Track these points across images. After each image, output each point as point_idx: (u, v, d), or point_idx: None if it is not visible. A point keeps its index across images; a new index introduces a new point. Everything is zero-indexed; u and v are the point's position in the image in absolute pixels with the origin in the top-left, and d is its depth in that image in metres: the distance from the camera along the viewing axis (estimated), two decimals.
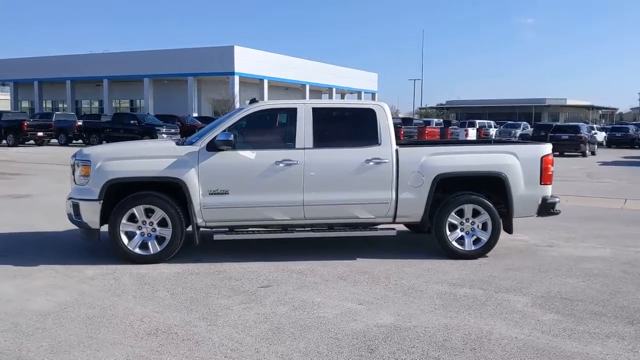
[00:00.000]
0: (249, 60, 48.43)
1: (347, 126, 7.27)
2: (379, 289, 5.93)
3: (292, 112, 7.11)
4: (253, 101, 7.36)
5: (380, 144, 7.06)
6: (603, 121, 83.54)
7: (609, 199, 13.31)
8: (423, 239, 8.19)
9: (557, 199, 7.40)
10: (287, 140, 7.04)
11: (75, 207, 6.79)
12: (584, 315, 5.18)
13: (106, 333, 4.65)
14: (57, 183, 14.46)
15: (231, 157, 6.82)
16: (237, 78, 47.52)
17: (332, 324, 4.91)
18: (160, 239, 6.82)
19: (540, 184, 7.29)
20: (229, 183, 6.81)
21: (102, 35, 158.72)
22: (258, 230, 7.07)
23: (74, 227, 8.33)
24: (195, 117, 38.11)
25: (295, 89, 57.62)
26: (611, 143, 40.71)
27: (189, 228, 6.90)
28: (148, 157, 6.85)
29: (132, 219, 6.77)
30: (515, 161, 7.20)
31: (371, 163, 6.97)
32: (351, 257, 7.19)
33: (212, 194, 6.77)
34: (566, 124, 40.33)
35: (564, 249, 7.86)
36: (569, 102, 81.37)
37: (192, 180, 6.71)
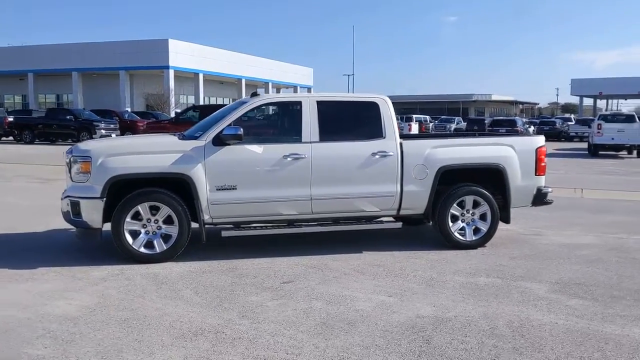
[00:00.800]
0: (183, 54, 47.49)
1: (351, 120, 7.27)
2: (400, 281, 5.97)
3: (296, 106, 7.04)
4: (254, 94, 7.24)
5: (385, 137, 7.11)
6: (524, 115, 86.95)
7: (564, 188, 13.86)
8: (418, 231, 8.30)
9: (550, 189, 7.68)
10: (293, 134, 6.96)
11: (75, 205, 6.48)
12: (607, 300, 5.41)
13: (150, 335, 4.47)
14: (6, 182, 13.76)
15: (238, 152, 6.68)
16: (171, 72, 46.50)
17: (374, 317, 4.91)
18: (165, 237, 6.61)
19: (535, 174, 7.54)
20: (236, 178, 6.67)
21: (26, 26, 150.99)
22: (266, 226, 6.97)
23: (52, 227, 8.07)
24: (134, 113, 36.93)
25: (230, 83, 56.95)
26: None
27: (194, 225, 6.70)
28: (152, 152, 6.61)
29: (136, 217, 6.52)
30: (513, 153, 7.42)
31: (377, 156, 7.00)
32: (357, 250, 7.20)
33: (219, 189, 6.62)
34: (503, 118, 41.78)
35: (551, 237, 8.15)
36: (494, 98, 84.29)
37: (199, 175, 6.54)
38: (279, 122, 7.26)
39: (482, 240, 7.39)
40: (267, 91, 60.36)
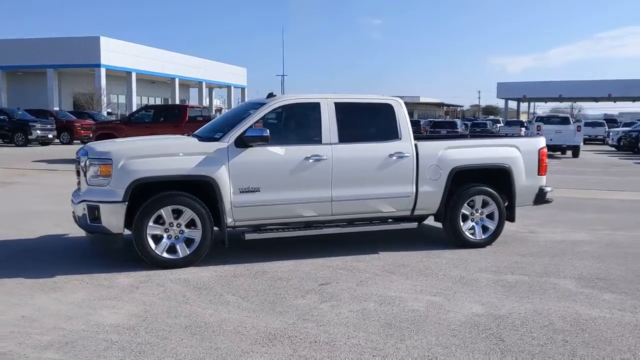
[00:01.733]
0: (116, 52, 46.10)
1: (367, 121, 7.31)
2: (433, 280, 6.06)
3: (315, 107, 7.01)
4: (270, 95, 7.16)
5: (400, 139, 7.19)
6: (447, 117, 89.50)
7: None
8: (416, 230, 8.42)
9: (550, 189, 7.99)
10: (313, 135, 6.93)
11: (93, 210, 6.20)
12: (636, 293, 5.69)
13: (224, 342, 4.36)
14: None
15: (262, 153, 6.59)
16: (103, 70, 45.01)
17: (433, 316, 4.97)
18: (188, 242, 6.43)
19: (538, 174, 7.82)
20: (260, 180, 6.58)
21: None
22: (286, 228, 6.90)
23: (41, 233, 7.71)
24: (69, 112, 35.43)
25: (162, 82, 55.70)
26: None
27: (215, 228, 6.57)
28: (175, 154, 6.42)
29: (159, 221, 6.31)
30: (518, 154, 7.68)
31: (394, 157, 7.08)
32: (372, 251, 7.25)
33: (243, 191, 6.51)
34: (443, 120, 42.96)
35: (546, 235, 8.47)
36: (422, 100, 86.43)
37: (223, 178, 6.41)
38: (298, 124, 7.19)
39: (490, 239, 7.61)
40: (200, 91, 59.47)
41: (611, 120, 47.72)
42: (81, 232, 7.71)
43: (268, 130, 6.46)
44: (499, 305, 5.29)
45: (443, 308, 5.18)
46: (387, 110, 7.30)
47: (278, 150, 6.66)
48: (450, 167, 7.32)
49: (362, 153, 7.01)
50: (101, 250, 7.16)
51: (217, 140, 6.62)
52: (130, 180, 6.14)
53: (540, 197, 7.91)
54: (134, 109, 46.31)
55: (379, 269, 6.46)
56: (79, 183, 6.66)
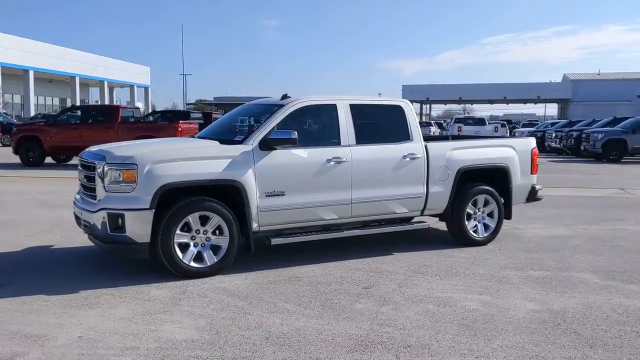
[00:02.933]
0: (11, 49, 43.16)
1: (380, 122, 7.31)
2: (467, 279, 6.17)
3: (332, 109, 6.94)
4: (285, 97, 7.00)
5: (412, 140, 7.27)
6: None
7: None
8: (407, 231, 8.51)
9: (541, 187, 8.37)
10: (332, 137, 6.85)
11: (116, 218, 5.79)
12: None
13: (319, 352, 4.22)
14: None
15: (286, 156, 6.44)
16: None
17: (498, 315, 5.05)
18: (214, 249, 6.17)
19: (530, 173, 8.17)
20: (285, 183, 6.43)
21: None
22: (309, 232, 6.78)
23: (25, 245, 7.17)
24: None
25: (61, 81, 52.80)
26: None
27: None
28: (202, 158, 6.13)
29: (185, 228, 6.01)
30: (514, 153, 7.98)
31: (407, 159, 7.15)
32: (387, 252, 7.27)
33: (268, 195, 6.33)
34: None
35: (530, 231, 8.85)
36: None
37: (250, 181, 6.20)
38: (317, 126, 7.07)
39: (491, 237, 7.85)
40: (102, 90, 56.98)
41: (507, 122, 50.43)
42: (70, 243, 7.31)
43: (296, 132, 6.31)
44: (547, 300, 5.46)
45: (499, 306, 5.28)
46: (398, 112, 7.35)
47: (301, 152, 6.52)
48: (457, 167, 7.48)
49: (379, 154, 7.01)
50: (106, 260, 6.72)
51: (239, 142, 6.38)
52: (158, 186, 5.80)
53: (532, 195, 8.26)
54: (32, 109, 43.67)
55: (405, 269, 6.49)
56: (89, 189, 6.19)
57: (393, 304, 5.31)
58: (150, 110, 42.77)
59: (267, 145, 6.33)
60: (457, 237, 7.70)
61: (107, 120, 18.48)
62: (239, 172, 6.15)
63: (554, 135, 29.92)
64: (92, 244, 6.45)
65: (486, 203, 7.79)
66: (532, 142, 8.26)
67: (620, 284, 6.03)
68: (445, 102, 78.77)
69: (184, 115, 19.95)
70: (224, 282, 5.92)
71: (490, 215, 7.85)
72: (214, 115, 25.21)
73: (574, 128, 29.68)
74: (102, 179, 5.91)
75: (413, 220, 7.68)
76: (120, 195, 5.84)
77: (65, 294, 5.49)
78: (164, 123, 18.52)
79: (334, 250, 7.20)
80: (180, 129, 18.60)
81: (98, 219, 5.89)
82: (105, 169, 5.88)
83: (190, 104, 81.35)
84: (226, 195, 6.20)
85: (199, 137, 7.40)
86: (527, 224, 9.35)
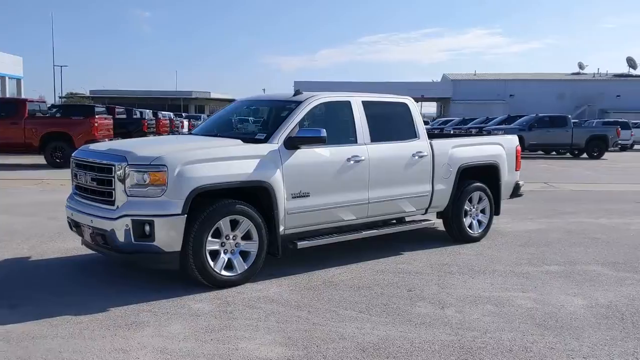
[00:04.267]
0: None
1: (390, 120, 7.15)
2: (498, 277, 6.14)
3: (347, 106, 6.72)
4: (297, 93, 6.68)
5: (419, 138, 7.21)
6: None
7: None
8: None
9: (523, 183, 8.63)
10: (349, 135, 6.63)
11: (141, 225, 5.22)
12: None
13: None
14: None
15: (310, 155, 6.14)
16: None
17: (560, 312, 5.06)
18: (243, 255, 5.76)
19: (515, 170, 8.40)
20: (310, 184, 6.13)
21: None
22: (327, 234, 6.52)
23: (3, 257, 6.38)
24: None
25: None
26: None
27: None
28: (231, 158, 5.67)
29: (215, 234, 5.55)
30: (503, 151, 8.16)
31: (416, 157, 7.08)
32: (395, 252, 7.15)
33: (295, 197, 6.01)
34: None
35: (504, 225, 9.08)
36: (213, 96, 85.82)
37: (278, 182, 5.85)
38: (333, 123, 6.75)
39: (484, 233, 7.99)
40: None
41: None
42: (45, 253, 6.55)
43: (325, 130, 6.01)
44: (588, 295, 5.60)
45: (551, 303, 5.33)
46: (404, 109, 7.26)
47: (324, 151, 6.24)
48: (458, 165, 7.52)
49: (392, 153, 6.88)
50: (107, 271, 6.10)
51: (263, 141, 5.99)
52: (191, 189, 5.30)
53: (515, 191, 8.50)
54: None
55: (429, 269, 6.42)
56: (99, 194, 5.54)
57: (452, 306, 5.20)
58: None
59: (292, 144, 5.99)
60: (454, 234, 7.73)
61: (13, 114, 16.84)
62: (269, 172, 5.77)
63: (452, 132, 31.21)
64: (67, 254, 5.85)
65: (480, 200, 7.90)
66: (516, 140, 8.49)
67: (634, 275, 6.31)
68: None
69: (89, 109, 18.57)
70: (261, 291, 5.52)
71: (482, 211, 7.97)
72: (117, 109, 23.85)
73: (471, 125, 31.17)
74: (123, 182, 5.29)
75: (419, 219, 7.62)
76: (147, 199, 5.26)
77: (94, 312, 4.87)
78: (79, 118, 17.15)
79: (341, 253, 6.94)
80: (97, 125, 17.38)
81: (119, 227, 5.26)
82: (128, 170, 5.27)
83: (62, 97, 76.62)
84: (252, 198, 5.79)
85: (200, 135, 6.88)
86: (497, 219, 9.57)
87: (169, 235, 5.24)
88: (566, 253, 7.26)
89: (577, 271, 6.42)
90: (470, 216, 7.83)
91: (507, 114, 38.50)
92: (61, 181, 13.84)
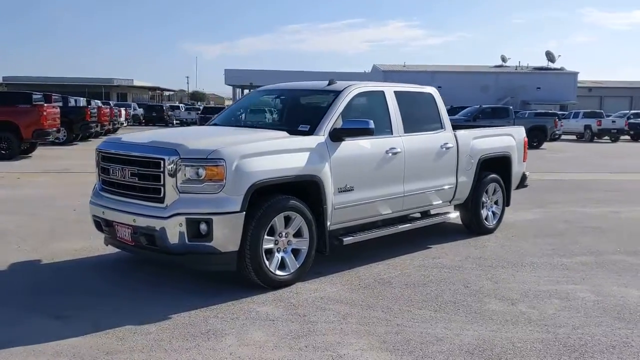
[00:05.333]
0: None
1: (418, 111, 6.96)
2: (542, 270, 6.05)
3: (381, 96, 6.51)
4: (331, 82, 6.40)
5: (444, 129, 7.10)
6: (154, 100, 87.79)
7: None
8: None
9: (529, 173, 8.69)
10: (385, 126, 6.40)
11: (197, 224, 4.83)
12: None
13: None
14: None
15: (353, 148, 5.89)
16: None
17: (628, 304, 5.05)
18: (294, 253, 5.46)
19: (522, 161, 8.45)
20: (354, 178, 5.89)
21: None
22: (368, 229, 6.31)
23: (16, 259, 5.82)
24: None
25: None
26: None
27: None
28: (284, 151, 5.34)
29: (269, 232, 5.23)
30: (514, 142, 8.19)
31: (444, 148, 6.97)
32: (422, 247, 7.01)
33: (341, 191, 5.76)
34: (215, 106, 41.87)
35: (509, 215, 9.08)
36: (136, 83, 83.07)
37: (327, 176, 5.58)
38: (369, 114, 6.46)
39: (498, 224, 7.99)
40: None
41: None
42: (59, 255, 6.08)
43: (372, 122, 5.77)
44: (637, 285, 5.65)
45: (613, 295, 5.31)
46: (430, 99, 7.12)
47: (365, 143, 6.01)
48: (478, 156, 7.47)
49: (423, 144, 6.73)
50: (130, 272, 5.63)
51: (307, 133, 5.69)
52: (250, 184, 4.95)
53: (522, 182, 8.56)
54: None
55: (469, 263, 6.33)
56: (142, 190, 5.08)
57: (520, 302, 5.11)
58: None
59: (338, 135, 5.72)
60: (472, 226, 7.68)
61: None
62: (319, 166, 5.49)
63: None
64: (80, 255, 5.78)
65: (495, 191, 7.88)
66: (523, 131, 8.52)
67: None
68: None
69: (26, 97, 17.35)
70: (317, 291, 5.25)
71: (496, 203, 7.96)
72: (54, 97, 22.51)
73: None
74: (174, 178, 4.86)
75: (444, 212, 7.51)
76: (202, 196, 4.86)
77: (156, 320, 4.46)
78: (27, 106, 16.02)
79: (369, 249, 6.66)
80: (45, 113, 16.30)
81: (171, 226, 4.84)
82: (180, 165, 4.84)
83: None
84: (300, 193, 5.49)
85: (228, 126, 6.48)
86: None
87: (227, 235, 4.86)
88: (583, 243, 7.34)
89: (608, 261, 6.49)
90: (486, 208, 7.79)
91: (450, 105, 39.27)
92: (15, 175, 12.92)
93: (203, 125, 6.90)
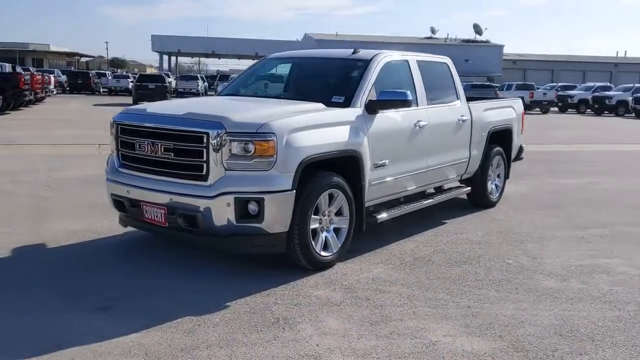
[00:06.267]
0: None
1: (437, 81, 6.71)
2: (572, 244, 6.03)
3: (405, 65, 6.23)
4: (356, 51, 6.07)
5: (460, 100, 6.93)
6: (73, 67, 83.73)
7: None
8: None
9: (524, 146, 8.69)
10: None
11: (247, 204, 4.46)
12: None
13: None
14: None
15: (387, 121, 5.61)
16: None
17: None
18: (336, 232, 5.18)
19: (520, 134, 8.43)
20: (387, 152, 5.62)
21: None
22: (395, 205, 6.08)
23: (19, 243, 5.28)
24: None
25: None
26: None
27: None
28: (327, 124, 5.00)
29: (315, 211, 4.92)
30: (515, 114, 8.14)
31: (461, 121, 6.82)
32: (438, 222, 6.87)
33: (376, 167, 5.49)
34: (151, 73, 39.87)
35: None
36: (53, 49, 78.82)
37: (365, 151, 5.29)
38: (393, 84, 6.10)
39: (500, 197, 7.96)
40: None
41: None
42: (61, 238, 5.60)
43: (409, 93, 5.50)
44: None
45: None
46: (446, 70, 6.91)
47: (396, 116, 5.74)
48: (488, 129, 7.36)
49: (444, 117, 6.54)
50: (141, 254, 5.19)
51: (343, 105, 5.36)
52: (299, 160, 4.60)
53: (519, 154, 8.56)
54: None
55: (494, 237, 6.26)
56: (182, 167, 4.63)
57: (569, 278, 5.03)
58: None
59: (373, 108, 5.42)
60: (477, 200, 7.59)
61: None
62: (359, 140, 5.19)
63: None
64: (87, 237, 5.35)
65: (498, 164, 7.82)
66: (521, 103, 8.48)
67: None
68: (198, 55, 76.73)
69: None
70: (364, 271, 5.01)
71: (498, 176, 7.91)
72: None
73: None
74: (218, 153, 4.44)
75: (457, 186, 7.38)
76: (250, 174, 4.47)
77: (216, 310, 4.10)
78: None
79: (387, 225, 6.31)
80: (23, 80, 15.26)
81: (218, 206, 4.43)
82: (226, 139, 4.42)
83: None
84: (338, 169, 5.17)
85: (248, 95, 6.05)
86: None
87: (277, 215, 4.51)
88: (586, 215, 7.39)
89: (624, 233, 6.54)
90: (490, 181, 7.72)
91: None
92: None
93: (215, 95, 6.37)
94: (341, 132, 5.02)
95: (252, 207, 4.44)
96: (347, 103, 5.34)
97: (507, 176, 8.11)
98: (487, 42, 70.83)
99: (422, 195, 6.63)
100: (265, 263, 5.01)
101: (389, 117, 5.59)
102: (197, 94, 43.44)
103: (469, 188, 7.35)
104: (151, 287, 4.49)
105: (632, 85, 37.16)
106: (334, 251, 5.05)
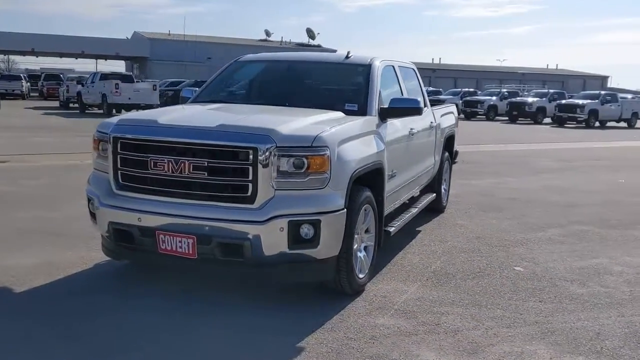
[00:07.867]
0: None
1: (410, 87, 6.54)
2: (553, 246, 6.21)
3: (392, 70, 6.03)
4: (349, 55, 5.74)
5: (427, 107, 6.88)
6: None
7: None
8: None
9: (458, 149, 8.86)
10: None
11: (298, 227, 3.94)
12: None
13: None
14: None
15: (395, 129, 5.38)
16: None
17: None
18: (366, 252, 4.82)
19: None
20: (396, 162, 5.37)
21: None
22: (397, 216, 5.84)
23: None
24: None
25: None
26: None
27: None
28: (360, 135, 4.60)
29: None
30: (454, 119, 8.24)
31: (432, 127, 6.79)
32: (414, 231, 6.73)
33: (390, 177, 5.22)
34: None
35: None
36: None
37: (385, 162, 4.99)
38: (389, 90, 5.81)
39: (447, 201, 8.05)
40: None
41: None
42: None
43: (420, 100, 5.29)
44: None
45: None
46: (413, 75, 6.80)
47: (399, 124, 5.50)
48: (445, 133, 7.41)
49: (424, 124, 6.41)
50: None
51: (359, 113, 5.00)
52: (350, 175, 4.20)
53: (454, 157, 8.69)
54: None
55: (481, 244, 6.24)
56: (180, 185, 3.99)
57: (588, 282, 5.10)
58: None
59: (384, 116, 5.15)
60: (435, 205, 7.48)
61: None
62: (382, 150, 4.87)
63: None
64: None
65: (446, 169, 7.89)
66: (455, 108, 8.62)
67: (632, 232, 6.97)
68: (11, 52, 69.34)
69: None
70: (400, 292, 4.72)
71: (445, 180, 7.98)
72: None
73: None
74: (269, 170, 3.88)
75: (426, 194, 7.24)
76: (301, 193, 3.96)
77: (292, 355, 3.54)
78: None
79: None
80: None
81: (269, 232, 3.86)
82: (276, 154, 3.87)
83: None
84: (364, 182, 4.79)
85: (219, 103, 5.42)
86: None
87: (332, 237, 4.05)
88: (535, 216, 7.70)
89: (590, 234, 6.75)
90: (443, 185, 7.76)
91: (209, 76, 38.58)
92: None
93: (187, 104, 5.57)
94: (372, 142, 4.68)
95: (306, 230, 3.92)
96: (362, 111, 4.98)
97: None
98: (319, 46, 72.84)
99: (404, 205, 6.42)
100: (274, 292, 4.48)
101: (394, 125, 5.33)
102: (21, 96, 39.55)
103: (434, 194, 7.26)
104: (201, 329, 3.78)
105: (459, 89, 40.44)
106: (366, 272, 4.67)
